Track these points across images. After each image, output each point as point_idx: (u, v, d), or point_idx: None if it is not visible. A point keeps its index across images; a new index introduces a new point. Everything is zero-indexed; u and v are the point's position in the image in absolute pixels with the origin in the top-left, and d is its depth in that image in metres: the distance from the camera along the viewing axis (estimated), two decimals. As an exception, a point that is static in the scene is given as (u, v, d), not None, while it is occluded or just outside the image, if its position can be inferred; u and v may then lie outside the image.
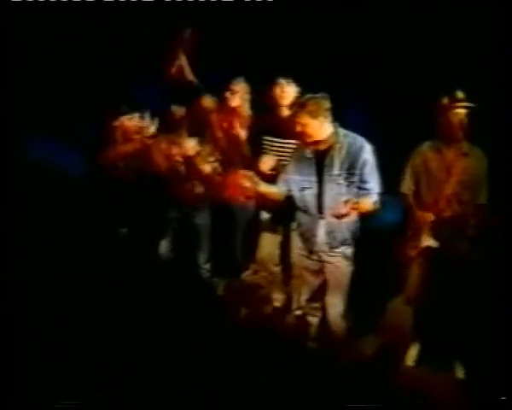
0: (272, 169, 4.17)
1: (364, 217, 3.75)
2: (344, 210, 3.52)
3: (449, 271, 3.74)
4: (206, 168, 4.30)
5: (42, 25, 4.56)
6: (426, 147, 3.91)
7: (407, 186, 3.97)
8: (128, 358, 3.91)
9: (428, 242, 3.82)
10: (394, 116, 4.74)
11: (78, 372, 3.73)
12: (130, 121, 4.11)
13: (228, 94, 4.43)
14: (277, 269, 4.46)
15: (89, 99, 4.87)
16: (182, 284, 4.47)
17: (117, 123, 4.09)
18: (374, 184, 3.66)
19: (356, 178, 3.63)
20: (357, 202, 3.55)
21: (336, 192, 3.64)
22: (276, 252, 4.43)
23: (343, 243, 3.76)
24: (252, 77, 4.52)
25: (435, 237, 3.78)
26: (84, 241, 4.36)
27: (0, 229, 4.15)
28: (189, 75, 4.53)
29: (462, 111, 3.74)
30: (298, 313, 4.25)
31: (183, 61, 4.49)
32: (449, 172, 3.78)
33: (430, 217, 3.81)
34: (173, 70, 4.46)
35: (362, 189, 3.64)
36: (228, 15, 4.59)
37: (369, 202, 3.66)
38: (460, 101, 3.75)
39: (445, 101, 3.79)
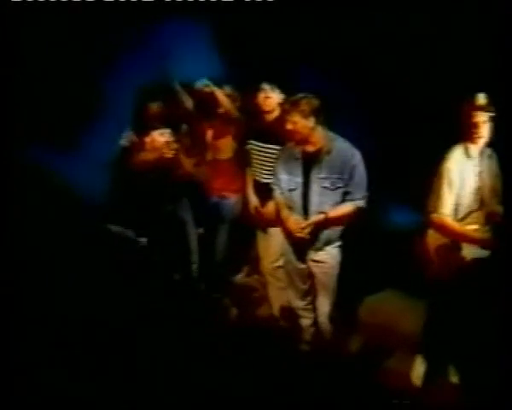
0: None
1: (348, 221, 3.72)
2: (305, 233, 3.62)
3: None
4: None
5: (43, 26, 4.57)
6: (459, 156, 3.67)
7: (448, 207, 3.61)
8: (125, 358, 3.90)
9: (478, 253, 3.63)
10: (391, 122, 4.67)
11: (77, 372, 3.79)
12: (162, 136, 4.13)
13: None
14: (277, 272, 4.35)
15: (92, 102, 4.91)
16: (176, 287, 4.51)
17: (148, 138, 4.13)
18: (361, 191, 3.64)
19: (342, 184, 3.61)
20: (311, 224, 3.62)
21: (322, 195, 3.63)
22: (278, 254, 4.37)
23: (327, 244, 3.74)
24: (238, 81, 4.56)
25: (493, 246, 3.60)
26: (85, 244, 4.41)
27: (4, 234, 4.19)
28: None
29: (483, 114, 3.58)
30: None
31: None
32: (482, 176, 3.67)
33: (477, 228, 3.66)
34: None
35: (348, 193, 3.63)
36: (219, 16, 4.59)
37: (350, 207, 3.65)
38: (481, 104, 3.60)
39: (466, 105, 3.69)
